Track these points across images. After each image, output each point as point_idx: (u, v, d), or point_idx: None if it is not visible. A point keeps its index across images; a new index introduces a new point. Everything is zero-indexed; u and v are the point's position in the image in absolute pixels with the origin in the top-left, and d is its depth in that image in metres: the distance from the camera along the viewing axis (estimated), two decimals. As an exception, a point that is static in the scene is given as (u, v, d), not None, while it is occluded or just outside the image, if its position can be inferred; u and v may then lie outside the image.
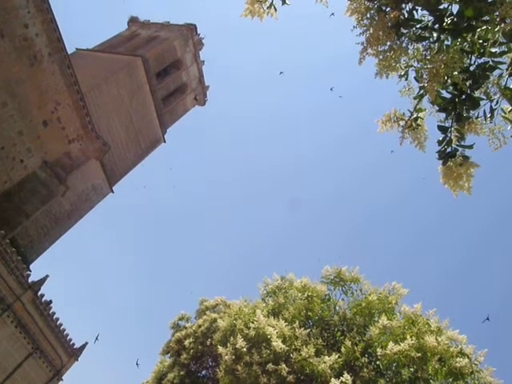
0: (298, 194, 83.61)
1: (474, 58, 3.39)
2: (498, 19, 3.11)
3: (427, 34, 3.53)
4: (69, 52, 22.49)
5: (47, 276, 20.86)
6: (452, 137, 3.55)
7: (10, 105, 19.86)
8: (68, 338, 22.79)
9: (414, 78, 3.65)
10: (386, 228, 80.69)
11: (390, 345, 11.73)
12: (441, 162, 3.59)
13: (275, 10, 4.07)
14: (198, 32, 34.67)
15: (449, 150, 3.57)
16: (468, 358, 11.73)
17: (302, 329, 13.13)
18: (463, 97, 3.43)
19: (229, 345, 13.47)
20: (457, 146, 3.55)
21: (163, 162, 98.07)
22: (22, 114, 20.45)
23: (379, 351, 11.92)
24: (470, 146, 3.51)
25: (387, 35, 3.49)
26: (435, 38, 3.48)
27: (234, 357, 13.00)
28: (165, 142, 33.32)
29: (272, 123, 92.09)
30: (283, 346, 12.29)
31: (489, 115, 3.40)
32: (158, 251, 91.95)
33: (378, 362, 12.32)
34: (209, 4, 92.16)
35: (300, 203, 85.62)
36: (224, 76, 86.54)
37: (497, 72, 3.35)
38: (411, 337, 11.94)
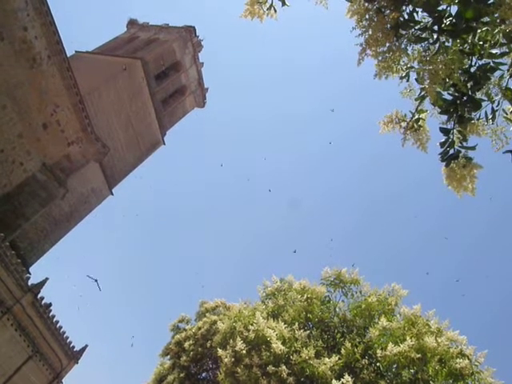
0: (298, 195, 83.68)
1: (474, 59, 3.39)
2: (497, 20, 3.12)
3: (426, 36, 3.53)
4: (68, 55, 22.50)
5: (47, 279, 20.83)
6: (454, 138, 3.55)
7: (9, 107, 19.85)
8: (68, 340, 22.74)
9: (415, 79, 3.65)
10: (386, 229, 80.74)
11: (390, 346, 11.72)
12: (444, 163, 3.59)
13: (275, 11, 4.06)
14: (197, 34, 34.74)
15: (451, 151, 3.57)
16: (468, 358, 11.72)
17: (302, 330, 13.11)
18: (464, 98, 3.43)
19: (228, 347, 13.44)
20: (459, 147, 3.55)
21: (163, 164, 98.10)
22: (21, 117, 20.44)
23: (379, 353, 11.91)
24: (473, 148, 3.51)
25: (386, 36, 3.49)
26: (434, 39, 3.49)
27: (233, 359, 12.98)
28: (164, 144, 33.34)
29: (271, 124, 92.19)
30: (283, 348, 12.28)
31: (490, 116, 3.41)
32: (157, 253, 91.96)
33: (378, 364, 12.31)
34: (208, 5, 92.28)
35: (299, 204, 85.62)
36: (223, 77, 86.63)
37: (497, 73, 3.36)
38: (411, 338, 11.94)
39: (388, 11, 3.58)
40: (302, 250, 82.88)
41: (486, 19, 3.22)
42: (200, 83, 36.34)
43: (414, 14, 3.50)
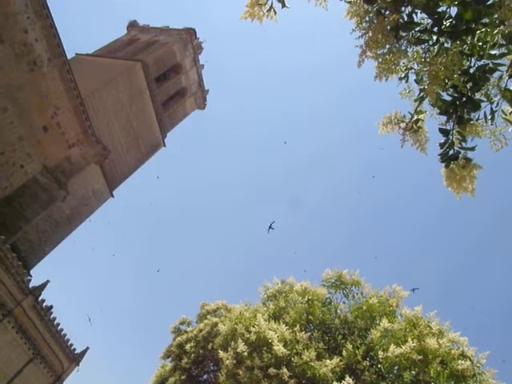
0: (298, 195, 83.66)
1: (473, 60, 3.39)
2: (497, 21, 3.12)
3: (426, 37, 3.53)
4: (68, 57, 22.51)
5: (48, 281, 20.81)
6: (454, 139, 3.55)
7: (10, 110, 19.87)
8: (69, 343, 22.71)
9: (415, 80, 3.65)
10: (386, 230, 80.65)
11: (392, 348, 11.70)
12: (443, 164, 3.59)
13: (275, 12, 4.07)
14: (198, 36, 34.79)
15: (451, 152, 3.57)
16: (470, 360, 11.70)
17: (303, 332, 13.09)
18: (464, 99, 3.43)
19: (230, 349, 13.43)
20: (459, 148, 3.55)
21: (163, 166, 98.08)
22: (22, 120, 20.46)
23: (381, 354, 11.89)
24: (472, 148, 3.50)
25: (386, 38, 3.49)
26: (434, 41, 3.49)
27: (235, 361, 12.97)
28: (165, 145, 33.36)
29: (272, 125, 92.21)
30: (284, 350, 12.25)
31: (489, 117, 3.40)
32: (158, 255, 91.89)
33: (379, 365, 12.28)
34: (209, 7, 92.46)
35: (299, 204, 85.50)
36: (224, 79, 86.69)
37: (497, 74, 3.36)
38: (412, 339, 11.92)
39: (388, 13, 3.58)
40: (303, 251, 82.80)
41: (486, 20, 3.22)
42: (200, 85, 36.38)
43: (413, 15, 3.50)
